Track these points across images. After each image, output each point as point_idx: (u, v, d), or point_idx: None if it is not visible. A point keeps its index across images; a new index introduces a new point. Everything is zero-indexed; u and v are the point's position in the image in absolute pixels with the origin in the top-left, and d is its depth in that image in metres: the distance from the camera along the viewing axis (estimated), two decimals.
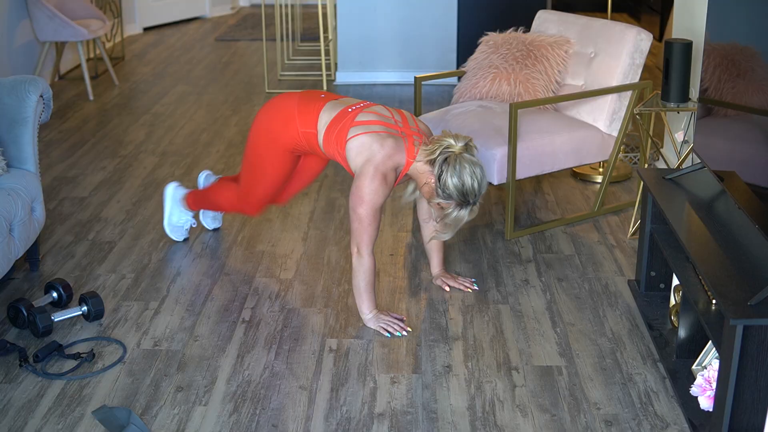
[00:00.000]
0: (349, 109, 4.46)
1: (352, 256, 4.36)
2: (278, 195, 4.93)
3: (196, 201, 5.28)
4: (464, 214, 4.22)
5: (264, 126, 4.64)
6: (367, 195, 4.23)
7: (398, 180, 4.37)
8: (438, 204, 4.26)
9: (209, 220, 5.50)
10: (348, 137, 4.34)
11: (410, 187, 4.56)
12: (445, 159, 4.15)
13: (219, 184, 5.18)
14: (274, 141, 4.60)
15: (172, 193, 5.35)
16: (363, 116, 4.41)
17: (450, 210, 4.21)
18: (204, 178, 5.46)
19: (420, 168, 4.28)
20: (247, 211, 5.03)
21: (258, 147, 4.68)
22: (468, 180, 4.12)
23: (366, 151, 4.28)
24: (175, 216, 5.36)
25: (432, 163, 4.20)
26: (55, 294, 4.57)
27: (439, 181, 4.16)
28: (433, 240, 4.75)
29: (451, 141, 4.18)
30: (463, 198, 4.16)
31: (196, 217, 5.49)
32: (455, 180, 4.12)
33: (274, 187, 4.84)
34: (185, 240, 5.42)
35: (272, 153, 4.65)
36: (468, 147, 4.19)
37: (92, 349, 4.19)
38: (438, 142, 4.21)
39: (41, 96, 4.84)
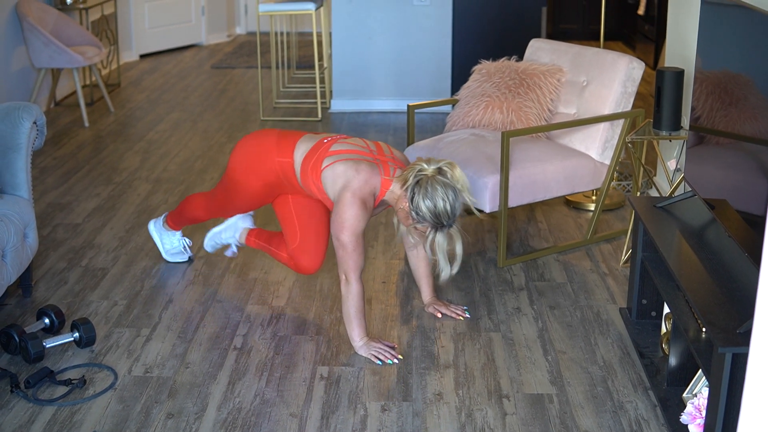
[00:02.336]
0: (325, 140, 4.53)
1: (340, 284, 4.37)
2: (309, 258, 4.90)
3: (174, 220, 5.37)
4: (441, 239, 4.23)
5: (243, 154, 4.71)
6: (347, 221, 4.26)
7: (375, 204, 4.39)
8: (415, 229, 4.29)
9: (210, 246, 5.47)
10: (323, 167, 4.39)
11: (397, 221, 4.58)
12: (417, 182, 4.18)
13: (189, 197, 5.27)
14: (251, 169, 4.66)
15: (154, 226, 5.47)
16: (338, 146, 4.48)
17: (428, 234, 4.24)
18: None
19: (396, 193, 4.32)
20: (220, 215, 5.17)
21: (233, 172, 4.75)
22: (440, 202, 4.15)
23: (341, 178, 4.32)
24: (167, 243, 5.40)
25: (405, 186, 4.23)
26: (47, 320, 4.57)
27: (412, 204, 4.19)
28: (422, 266, 4.78)
29: (424, 165, 4.22)
30: (437, 220, 4.18)
31: (185, 234, 5.53)
32: (427, 202, 4.15)
33: (243, 210, 5.00)
34: (189, 259, 5.46)
35: (247, 180, 4.72)
36: (441, 170, 4.21)
37: (83, 376, 4.18)
38: (411, 166, 4.26)
39: (35, 122, 4.85)
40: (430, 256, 4.35)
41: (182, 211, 5.28)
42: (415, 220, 4.24)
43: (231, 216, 5.16)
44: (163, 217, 5.45)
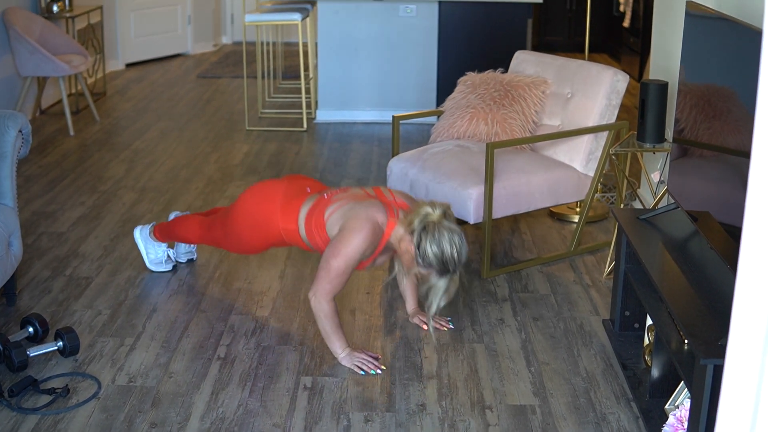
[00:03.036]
0: (325, 195, 4.56)
1: (310, 301, 4.37)
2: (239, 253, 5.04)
3: (163, 233, 5.39)
4: (443, 283, 4.22)
5: (247, 212, 4.73)
6: (345, 248, 4.25)
7: (379, 249, 4.39)
8: (419, 272, 4.28)
9: (182, 255, 5.54)
10: (326, 216, 4.42)
11: (395, 265, 4.60)
12: (424, 227, 4.17)
13: (185, 219, 5.30)
14: (255, 229, 4.72)
15: (140, 234, 5.48)
16: (338, 196, 4.51)
17: (431, 279, 4.23)
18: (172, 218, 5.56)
19: (400, 236, 4.31)
20: (211, 245, 5.25)
21: (238, 224, 4.78)
22: (447, 248, 4.14)
23: (348, 213, 4.35)
24: (152, 253, 5.42)
25: (411, 231, 4.22)
26: (31, 329, 4.57)
27: (419, 250, 4.17)
28: (407, 279, 4.78)
29: (429, 209, 4.20)
30: (443, 266, 4.17)
31: (170, 246, 5.52)
32: (434, 248, 4.14)
33: (241, 251, 5.02)
34: (173, 269, 5.48)
35: (250, 235, 4.77)
36: (446, 215, 4.21)
37: (67, 385, 4.18)
38: (416, 211, 4.24)
39: (20, 131, 4.85)
40: (424, 294, 4.33)
41: (174, 230, 5.30)
42: (421, 265, 4.23)
43: (222, 248, 5.17)
44: (150, 226, 5.46)
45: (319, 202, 4.52)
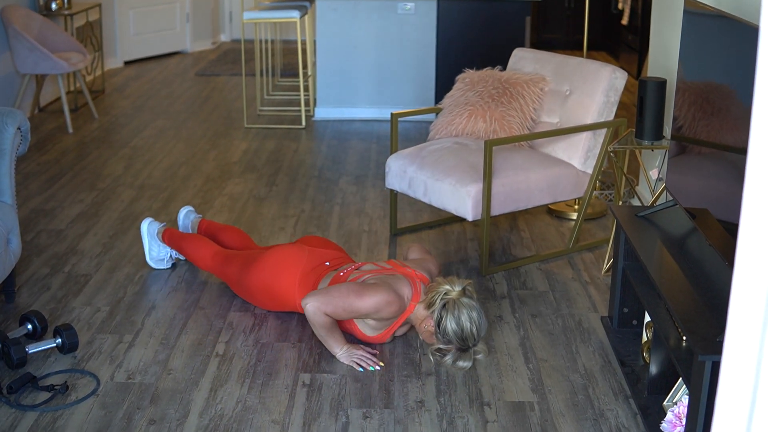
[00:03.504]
0: (341, 273, 4.63)
1: (304, 306, 4.39)
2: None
3: (172, 241, 5.37)
4: (465, 360, 4.25)
5: (265, 279, 4.80)
6: (369, 296, 4.33)
7: (399, 321, 4.46)
8: (439, 349, 4.29)
9: (157, 260, 5.54)
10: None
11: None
12: (444, 305, 4.23)
13: (198, 243, 5.26)
14: (271, 295, 4.80)
15: (147, 229, 5.45)
16: (355, 274, 4.59)
17: (449, 354, 4.25)
18: (184, 215, 5.56)
19: (420, 313, 4.39)
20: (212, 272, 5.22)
21: (251, 286, 4.86)
22: (467, 325, 4.19)
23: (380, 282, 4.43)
24: (155, 250, 5.43)
25: (431, 309, 4.27)
26: (29, 326, 4.57)
27: (439, 327, 4.23)
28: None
29: (448, 287, 4.27)
30: (463, 343, 4.22)
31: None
32: (454, 326, 4.19)
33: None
34: (172, 266, 5.49)
35: (263, 299, 4.85)
36: (465, 291, 4.27)
37: (66, 381, 4.18)
38: (436, 289, 4.30)
39: (19, 128, 4.85)
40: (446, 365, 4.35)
41: (184, 247, 5.29)
42: (441, 341, 4.27)
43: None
44: (160, 226, 5.46)
45: (336, 279, 4.60)
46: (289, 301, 4.72)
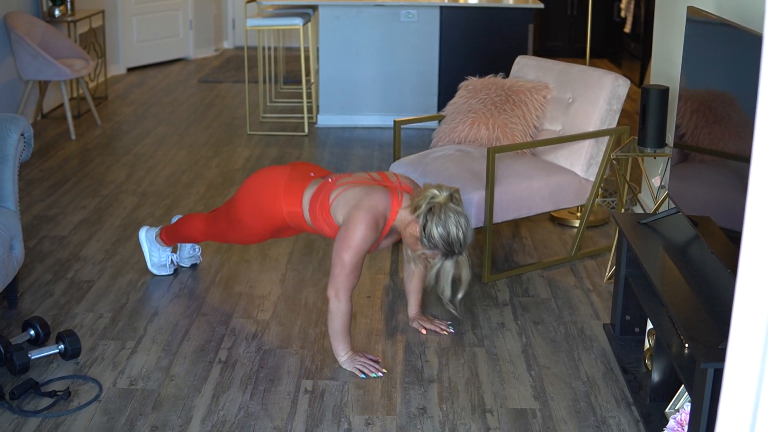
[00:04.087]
0: (329, 179, 4.56)
1: (329, 300, 4.37)
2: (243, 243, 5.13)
3: (169, 236, 5.40)
4: (450, 266, 4.23)
5: (251, 196, 4.74)
6: (354, 241, 4.25)
7: (384, 231, 4.40)
8: (423, 254, 4.29)
9: (185, 259, 5.55)
10: (331, 200, 4.42)
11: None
12: (430, 209, 4.18)
13: (188, 217, 5.32)
14: (259, 214, 4.72)
15: (146, 236, 5.47)
16: (343, 180, 4.51)
17: (436, 261, 4.24)
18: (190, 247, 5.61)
19: (405, 218, 4.32)
20: (216, 241, 5.31)
21: (241, 212, 4.77)
22: (453, 229, 4.15)
23: (351, 201, 4.35)
24: (155, 256, 5.43)
25: (417, 213, 4.23)
26: (32, 332, 4.57)
27: (424, 231, 4.19)
28: (415, 280, 4.79)
29: (435, 191, 4.21)
30: (449, 247, 4.18)
31: (174, 251, 5.55)
32: (440, 229, 4.15)
33: (247, 242, 5.06)
34: (174, 272, 5.51)
35: (255, 222, 4.77)
36: (453, 197, 4.22)
37: (68, 388, 4.18)
38: (423, 193, 4.25)
39: (22, 134, 4.86)
40: (432, 283, 4.34)
41: (179, 230, 5.31)
42: (426, 246, 4.24)
43: (228, 241, 5.18)
44: (157, 229, 5.47)
45: (323, 186, 4.54)
46: (277, 214, 4.65)
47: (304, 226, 4.62)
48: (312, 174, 4.69)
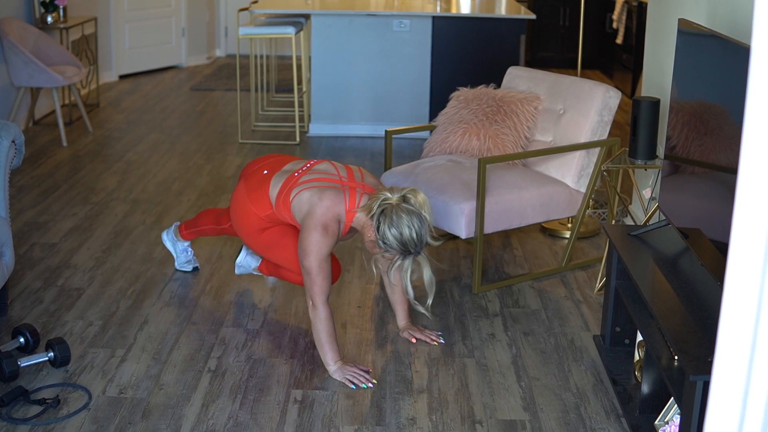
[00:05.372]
0: (295, 174, 4.61)
1: (309, 310, 4.39)
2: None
3: (188, 228, 5.55)
4: (409, 265, 4.26)
5: (237, 225, 4.89)
6: (309, 246, 4.32)
7: (345, 231, 4.45)
8: (384, 257, 4.34)
9: (184, 264, 5.60)
10: (291, 198, 4.49)
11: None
12: (382, 211, 4.22)
13: (207, 210, 5.52)
14: (251, 232, 4.84)
15: (167, 236, 5.67)
16: (306, 176, 4.57)
17: (395, 260, 4.26)
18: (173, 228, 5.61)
19: (362, 222, 4.38)
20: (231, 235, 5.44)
21: (240, 232, 4.91)
22: (406, 230, 4.19)
23: (305, 204, 4.42)
24: (182, 256, 5.64)
25: (369, 215, 4.27)
26: (22, 339, 4.57)
27: (378, 233, 4.23)
28: (397, 291, 4.80)
29: (387, 194, 4.26)
30: (404, 248, 4.22)
31: (191, 245, 5.71)
32: (393, 231, 4.19)
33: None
34: (196, 269, 5.67)
35: (255, 237, 4.85)
36: (405, 198, 4.25)
37: (57, 395, 4.18)
38: (375, 196, 4.30)
39: (13, 141, 4.85)
40: (397, 282, 4.37)
41: (197, 222, 5.49)
42: (383, 249, 4.27)
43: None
44: (173, 227, 5.60)
45: (288, 181, 4.60)
46: (259, 223, 4.77)
47: (287, 219, 4.67)
48: (265, 172, 4.75)
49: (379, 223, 4.22)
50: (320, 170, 4.59)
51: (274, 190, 4.62)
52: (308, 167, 4.64)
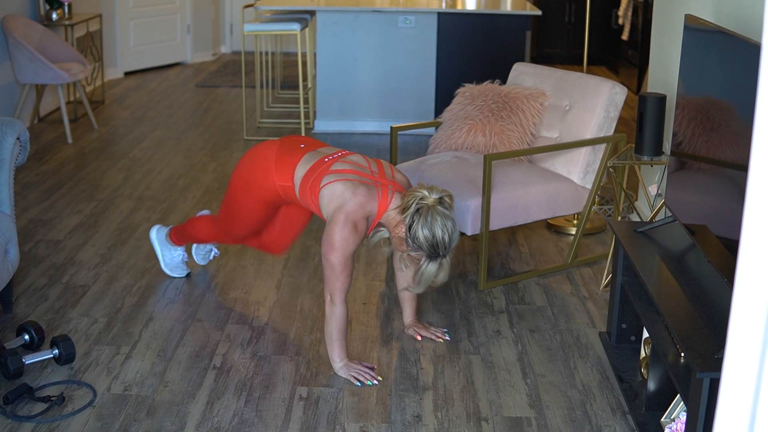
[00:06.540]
0: (326, 159, 4.49)
1: (325, 304, 4.36)
2: (271, 244, 5.09)
3: (178, 236, 5.43)
4: (433, 268, 4.21)
5: (243, 174, 4.72)
6: (337, 242, 4.24)
7: (371, 228, 4.39)
8: (409, 255, 4.29)
9: (201, 257, 5.58)
10: (321, 185, 4.37)
11: (377, 235, 4.55)
12: (417, 210, 4.16)
13: (198, 217, 5.37)
14: (252, 191, 4.66)
15: (156, 236, 5.50)
16: (338, 165, 4.44)
17: (421, 262, 4.22)
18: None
19: (392, 218, 4.30)
20: (226, 242, 5.30)
21: (236, 192, 4.75)
22: (438, 232, 4.13)
23: (338, 198, 4.31)
24: (167, 256, 5.45)
25: (404, 213, 4.22)
26: (27, 336, 4.56)
27: (410, 231, 4.17)
28: (406, 291, 4.77)
29: (425, 192, 4.19)
30: (433, 250, 4.17)
31: (187, 250, 5.59)
32: (426, 231, 4.13)
33: (249, 230, 4.97)
34: (187, 275, 5.54)
35: (249, 201, 4.71)
36: (442, 200, 4.20)
37: (62, 393, 4.17)
38: (412, 193, 4.23)
39: (18, 138, 4.85)
40: (414, 283, 4.33)
41: (186, 230, 5.37)
42: (411, 247, 4.23)
43: (234, 242, 5.25)
44: (167, 228, 5.52)
45: (319, 164, 4.47)
46: (270, 188, 4.62)
47: (293, 199, 4.60)
48: (302, 146, 4.64)
49: (413, 221, 4.17)
50: (352, 161, 4.51)
51: (302, 167, 4.49)
52: (340, 155, 4.56)
